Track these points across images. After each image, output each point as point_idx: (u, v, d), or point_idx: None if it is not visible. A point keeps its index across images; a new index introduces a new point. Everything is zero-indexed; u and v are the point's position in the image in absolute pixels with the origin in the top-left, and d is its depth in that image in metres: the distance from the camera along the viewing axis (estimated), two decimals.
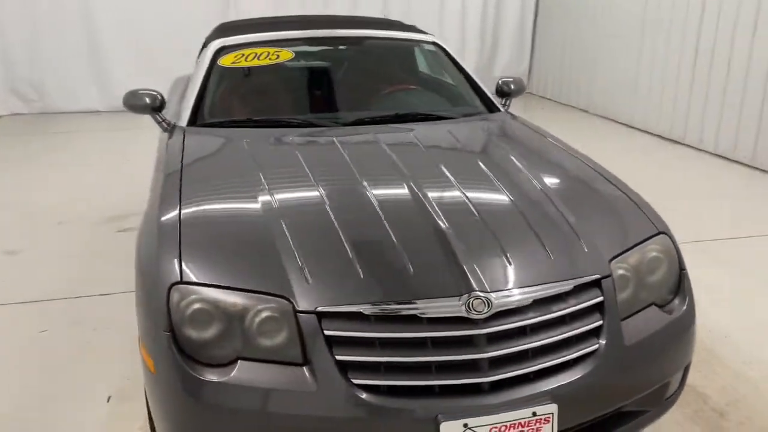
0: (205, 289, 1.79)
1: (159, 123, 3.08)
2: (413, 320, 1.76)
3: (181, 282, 1.80)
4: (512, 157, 2.57)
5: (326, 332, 1.73)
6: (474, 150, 2.75)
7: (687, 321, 2.07)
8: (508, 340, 1.79)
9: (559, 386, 1.78)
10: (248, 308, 1.77)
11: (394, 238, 1.95)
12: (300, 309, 1.76)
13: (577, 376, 1.81)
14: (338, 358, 1.72)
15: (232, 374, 1.73)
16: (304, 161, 2.48)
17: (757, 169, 5.86)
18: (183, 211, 2.09)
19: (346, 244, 1.92)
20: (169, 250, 1.89)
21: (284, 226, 1.99)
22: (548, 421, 1.75)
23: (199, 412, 1.73)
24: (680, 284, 2.12)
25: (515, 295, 1.81)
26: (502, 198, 2.24)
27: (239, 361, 1.76)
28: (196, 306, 1.77)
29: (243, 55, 3.26)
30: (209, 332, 1.76)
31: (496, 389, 1.75)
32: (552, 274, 1.89)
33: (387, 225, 2.01)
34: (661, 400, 2.06)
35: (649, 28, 7.13)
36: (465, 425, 1.69)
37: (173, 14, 8.06)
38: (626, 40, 7.49)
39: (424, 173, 2.38)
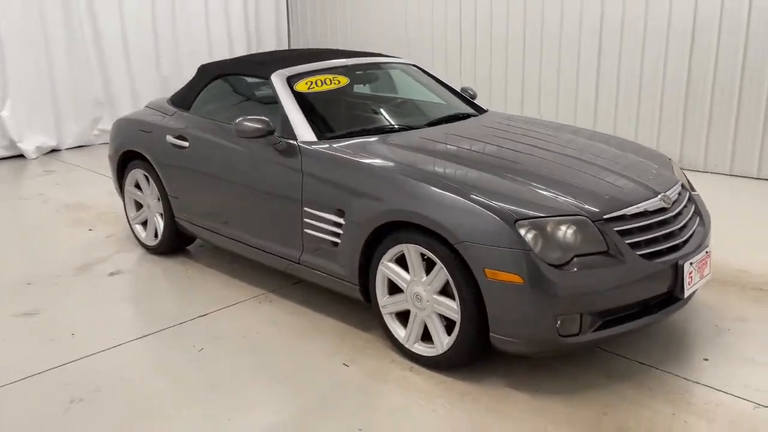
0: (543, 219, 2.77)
1: (273, 144, 3.63)
2: (645, 215, 2.98)
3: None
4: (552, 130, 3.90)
5: (617, 228, 2.86)
6: (526, 126, 3.97)
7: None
8: (681, 216, 3.14)
9: (704, 235, 3.20)
10: (570, 224, 2.80)
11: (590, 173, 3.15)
12: (596, 219, 2.84)
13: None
14: (629, 241, 2.86)
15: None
16: (460, 145, 3.45)
17: None
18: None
19: (572, 182, 3.05)
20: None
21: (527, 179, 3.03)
22: (709, 255, 3.15)
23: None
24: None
25: (672, 192, 3.17)
26: (600, 146, 3.56)
27: (575, 258, 2.78)
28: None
29: (311, 82, 3.94)
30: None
31: (686, 243, 3.08)
32: (670, 181, 3.29)
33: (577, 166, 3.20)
34: None
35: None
36: (690, 263, 2.99)
37: None
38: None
39: (531, 139, 3.57)
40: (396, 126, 3.85)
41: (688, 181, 3.67)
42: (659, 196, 3.08)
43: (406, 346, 3.20)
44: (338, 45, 9.58)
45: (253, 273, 4.32)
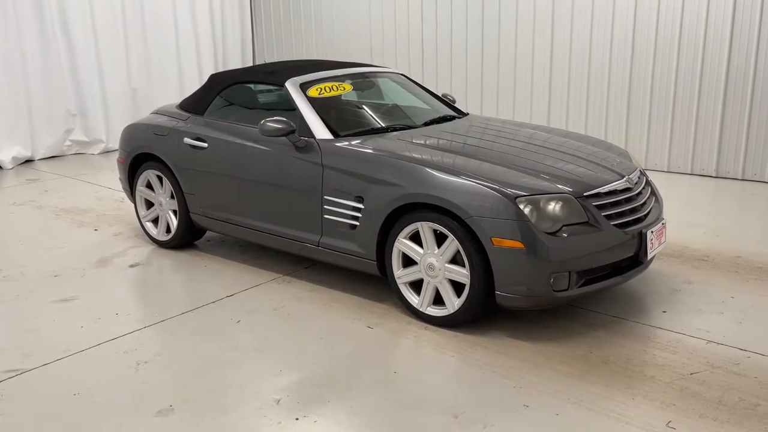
0: (536, 196, 3.42)
1: (294, 142, 4.17)
2: (615, 193, 3.68)
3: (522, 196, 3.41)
4: (525, 127, 4.59)
5: (594, 203, 3.54)
6: (506, 126, 4.64)
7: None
8: (641, 195, 3.85)
9: (659, 210, 3.92)
10: (558, 200, 3.46)
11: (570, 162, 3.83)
12: (578, 196, 3.51)
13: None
14: (603, 214, 3.55)
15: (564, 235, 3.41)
16: (456, 141, 4.08)
17: None
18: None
19: (555, 166, 3.72)
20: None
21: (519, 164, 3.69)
22: (665, 226, 3.87)
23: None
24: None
25: (634, 175, 3.89)
26: (572, 141, 4.25)
27: (563, 227, 3.43)
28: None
29: (321, 88, 4.50)
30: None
31: (647, 217, 3.79)
32: (630, 167, 4.01)
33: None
34: None
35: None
36: (651, 231, 3.69)
37: None
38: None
39: (513, 136, 4.24)
40: (397, 126, 4.44)
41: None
42: (625, 178, 3.79)
43: (421, 309, 3.79)
44: (303, 55, 10.13)
45: (266, 260, 4.83)
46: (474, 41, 8.36)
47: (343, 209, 3.99)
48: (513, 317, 3.81)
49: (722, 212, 5.92)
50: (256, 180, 4.40)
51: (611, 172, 3.83)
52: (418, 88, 5.22)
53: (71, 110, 9.06)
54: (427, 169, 3.67)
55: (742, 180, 6.91)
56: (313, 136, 4.20)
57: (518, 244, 3.35)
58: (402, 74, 5.26)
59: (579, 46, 7.58)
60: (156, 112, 5.34)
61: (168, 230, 5.14)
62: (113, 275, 4.69)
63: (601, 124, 7.62)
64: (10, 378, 3.30)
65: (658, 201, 4.08)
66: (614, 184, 3.71)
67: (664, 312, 3.86)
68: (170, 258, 5.00)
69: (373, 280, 4.33)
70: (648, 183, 4.14)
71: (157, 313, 4.01)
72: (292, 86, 4.46)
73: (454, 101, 5.29)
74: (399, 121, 4.61)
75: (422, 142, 4.11)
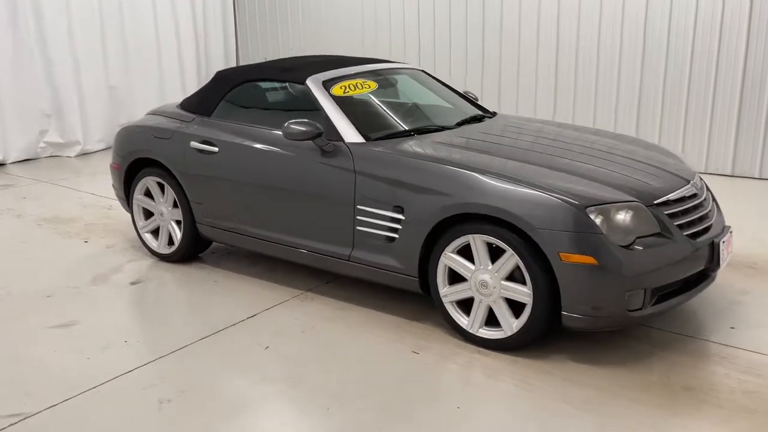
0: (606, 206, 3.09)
1: (322, 146, 3.77)
2: (683, 200, 3.36)
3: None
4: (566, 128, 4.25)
5: (665, 212, 3.21)
6: (540, 125, 4.29)
7: None
8: (707, 201, 3.53)
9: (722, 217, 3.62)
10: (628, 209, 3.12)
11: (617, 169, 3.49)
12: (648, 205, 3.18)
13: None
14: (676, 223, 3.22)
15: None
16: (500, 143, 3.72)
17: None
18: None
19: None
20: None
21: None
22: (732, 234, 3.56)
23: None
24: None
25: (697, 180, 3.57)
26: (615, 143, 3.92)
27: (636, 239, 3.10)
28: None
29: (345, 86, 4.10)
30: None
31: (714, 225, 3.47)
32: (691, 171, 3.69)
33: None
34: None
35: None
36: (723, 241, 3.38)
37: None
38: None
39: (556, 137, 3.90)
40: (431, 127, 4.06)
41: None
42: (690, 183, 3.47)
43: (471, 331, 3.42)
44: (291, 50, 9.67)
45: (282, 274, 4.41)
46: (474, 34, 8.01)
47: (380, 220, 3.60)
48: (570, 337, 3.47)
49: (750, 213, 5.66)
50: (275, 187, 3.98)
51: (676, 177, 3.51)
52: (441, 85, 4.84)
53: (45, 110, 8.47)
54: (480, 176, 3.30)
55: (759, 179, 6.68)
56: (341, 140, 3.80)
57: (590, 260, 3.01)
58: (422, 71, 4.87)
59: (567, 43, 7.28)
60: (153, 113, 4.88)
61: (170, 242, 4.69)
62: (113, 294, 4.22)
63: (610, 121, 7.36)
64: (12, 425, 2.84)
65: (718, 207, 3.77)
66: (682, 190, 3.40)
67: (732, 328, 3.56)
68: (174, 273, 4.55)
69: (408, 296, 3.95)
70: (707, 188, 3.84)
71: (172, 340, 3.58)
72: (314, 84, 4.05)
73: (476, 99, 4.93)
74: (430, 121, 4.22)
75: (464, 144, 3.74)
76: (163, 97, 9.47)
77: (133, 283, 4.39)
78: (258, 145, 4.06)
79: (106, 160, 8.38)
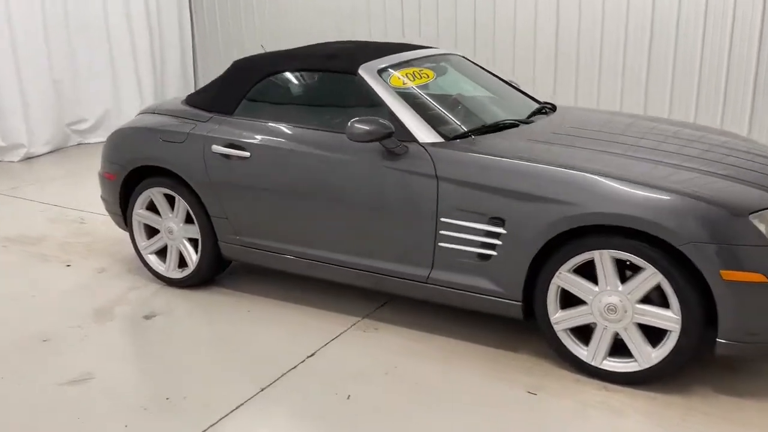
0: None
1: (392, 148, 3.14)
2: None
3: None
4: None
5: None
6: (610, 116, 3.78)
7: None
8: None
9: None
10: None
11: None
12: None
13: None
14: None
15: None
16: (599, 139, 3.20)
17: None
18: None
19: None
20: None
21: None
22: None
23: None
24: None
25: None
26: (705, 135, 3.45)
27: None
28: None
29: (404, 75, 3.47)
30: None
31: None
32: None
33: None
34: None
35: None
36: None
37: None
38: None
39: (650, 129, 3.41)
40: (507, 122, 3.49)
41: None
42: None
43: (592, 363, 2.89)
44: (254, 39, 8.87)
45: (323, 298, 3.76)
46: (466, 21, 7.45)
47: (471, 235, 3.01)
48: (701, 364, 2.99)
49: None
50: (327, 198, 3.33)
51: None
52: (486, 72, 4.26)
53: None
54: (608, 181, 2.76)
55: None
56: (414, 140, 3.18)
57: (758, 277, 2.52)
58: (462, 56, 4.28)
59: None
60: (153, 112, 4.10)
61: (181, 265, 3.95)
62: (127, 334, 3.47)
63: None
64: None
65: None
66: None
67: None
68: (193, 301, 3.82)
69: (490, 321, 3.39)
70: None
71: (224, 394, 2.89)
72: (368, 74, 3.40)
73: (519, 87, 4.39)
74: (503, 115, 3.64)
75: (563, 142, 3.19)
76: (117, 92, 8.51)
77: (147, 318, 3.64)
78: (303, 148, 3.39)
79: (57, 165, 7.48)
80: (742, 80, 6.32)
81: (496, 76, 4.27)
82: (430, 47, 4.09)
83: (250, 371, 3.07)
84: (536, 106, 3.90)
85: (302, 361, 3.14)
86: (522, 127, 3.43)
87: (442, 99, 3.55)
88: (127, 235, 4.62)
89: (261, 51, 4.31)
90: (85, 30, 8.21)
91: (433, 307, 3.53)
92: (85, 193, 6.02)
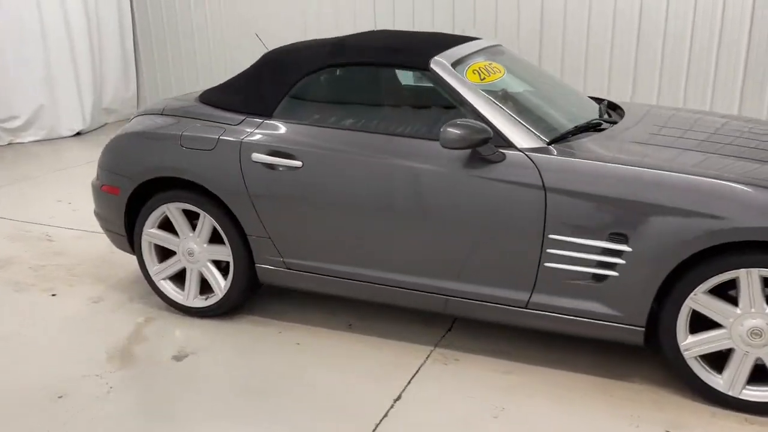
0: None
1: (488, 155, 2.72)
2: None
3: None
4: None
5: None
6: (675, 111, 3.49)
7: None
8: None
9: None
10: None
11: None
12: None
13: None
14: None
15: None
16: (698, 139, 2.91)
17: None
18: None
19: None
20: None
21: None
22: None
23: None
24: None
25: None
26: None
27: None
28: None
29: (478, 70, 3.04)
30: None
31: None
32: None
33: None
34: None
35: None
36: None
37: None
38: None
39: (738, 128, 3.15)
40: (592, 122, 3.11)
41: None
42: None
43: (729, 393, 2.59)
44: (206, 31, 8.14)
45: (379, 325, 3.30)
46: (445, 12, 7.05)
47: (584, 253, 2.64)
48: None
49: None
50: (405, 214, 2.87)
51: None
52: (530, 64, 3.88)
53: None
54: (758, 192, 2.44)
55: None
56: (510, 145, 2.76)
57: None
58: (499, 45, 3.87)
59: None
60: (159, 113, 3.48)
61: (203, 291, 3.39)
62: (161, 382, 2.89)
63: None
64: None
65: None
66: None
67: None
68: (226, 334, 3.27)
69: (586, 345, 3.03)
70: None
71: None
72: (442, 69, 2.95)
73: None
74: (579, 114, 3.25)
75: (675, 145, 2.86)
76: (51, 85, 7.58)
77: (177, 359, 3.06)
78: (374, 157, 2.90)
79: None
80: (732, 64, 6.23)
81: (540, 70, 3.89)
82: (475, 38, 3.66)
83: (332, 420, 2.58)
84: (592, 102, 3.54)
85: (391, 407, 2.68)
86: (612, 127, 3.07)
87: (523, 97, 3.15)
88: (111, 254, 4.04)
89: (265, 42, 3.77)
90: (17, 20, 7.23)
91: (502, 329, 3.15)
92: (40, 203, 5.27)
